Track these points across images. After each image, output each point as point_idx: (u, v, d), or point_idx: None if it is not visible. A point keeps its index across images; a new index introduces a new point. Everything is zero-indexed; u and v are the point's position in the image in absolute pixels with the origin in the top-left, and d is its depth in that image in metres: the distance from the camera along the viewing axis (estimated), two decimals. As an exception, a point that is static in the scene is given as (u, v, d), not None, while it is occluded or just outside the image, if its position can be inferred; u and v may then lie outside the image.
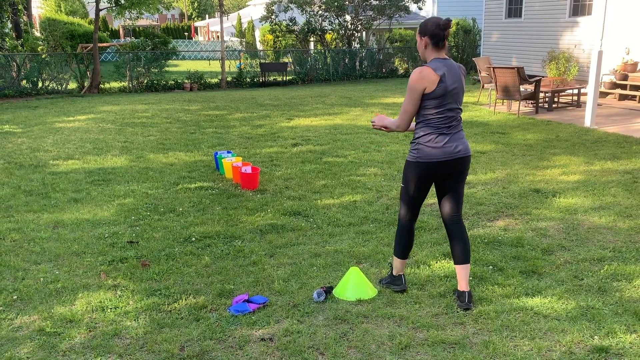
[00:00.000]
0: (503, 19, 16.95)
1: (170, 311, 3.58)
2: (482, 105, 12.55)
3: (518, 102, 10.99)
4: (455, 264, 3.59)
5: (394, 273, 3.80)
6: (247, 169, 6.36)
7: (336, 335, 3.27)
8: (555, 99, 12.11)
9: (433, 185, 3.63)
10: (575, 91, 12.26)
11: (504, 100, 11.75)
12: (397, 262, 3.75)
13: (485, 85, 12.83)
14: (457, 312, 3.49)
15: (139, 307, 3.63)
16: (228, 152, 7.24)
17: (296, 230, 5.02)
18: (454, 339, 3.19)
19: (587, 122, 9.72)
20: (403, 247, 3.70)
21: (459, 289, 3.59)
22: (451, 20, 3.27)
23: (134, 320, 3.47)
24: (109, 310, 3.59)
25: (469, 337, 3.22)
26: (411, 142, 3.51)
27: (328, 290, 3.75)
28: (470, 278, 3.94)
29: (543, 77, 12.77)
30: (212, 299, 3.72)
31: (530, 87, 11.30)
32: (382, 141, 8.74)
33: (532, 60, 15.54)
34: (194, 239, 4.82)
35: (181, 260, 4.38)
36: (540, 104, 11.59)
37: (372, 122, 3.62)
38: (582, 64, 13.57)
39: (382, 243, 4.66)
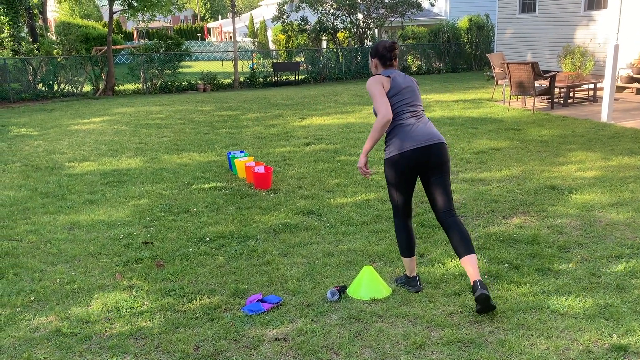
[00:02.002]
0: (517, 14, 16.79)
1: (185, 311, 3.59)
2: (496, 101, 12.44)
3: (533, 97, 10.88)
4: (459, 257, 3.43)
5: (408, 274, 3.79)
6: (260, 169, 6.37)
7: (350, 335, 3.25)
8: (571, 94, 11.97)
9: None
10: (591, 86, 12.10)
11: (519, 96, 11.63)
12: (405, 262, 3.74)
13: (500, 81, 12.71)
14: (473, 310, 3.46)
15: (154, 308, 3.65)
16: (241, 152, 7.26)
17: (309, 229, 5.01)
18: (470, 338, 3.16)
19: (604, 117, 9.58)
20: (405, 246, 3.69)
21: (471, 282, 3.38)
22: (396, 42, 3.65)
23: (149, 320, 3.49)
24: (124, 311, 3.62)
25: (484, 335, 3.19)
26: (384, 143, 3.60)
27: (342, 290, 3.74)
28: (486, 276, 3.91)
29: (558, 72, 12.62)
30: (226, 299, 3.73)
31: (545, 83, 11.17)
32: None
33: (547, 55, 15.38)
34: (208, 239, 4.84)
35: (195, 261, 4.40)
36: (555, 100, 11.46)
37: (367, 174, 3.64)
38: (598, 58, 13.38)
39: (395, 242, 4.63)
